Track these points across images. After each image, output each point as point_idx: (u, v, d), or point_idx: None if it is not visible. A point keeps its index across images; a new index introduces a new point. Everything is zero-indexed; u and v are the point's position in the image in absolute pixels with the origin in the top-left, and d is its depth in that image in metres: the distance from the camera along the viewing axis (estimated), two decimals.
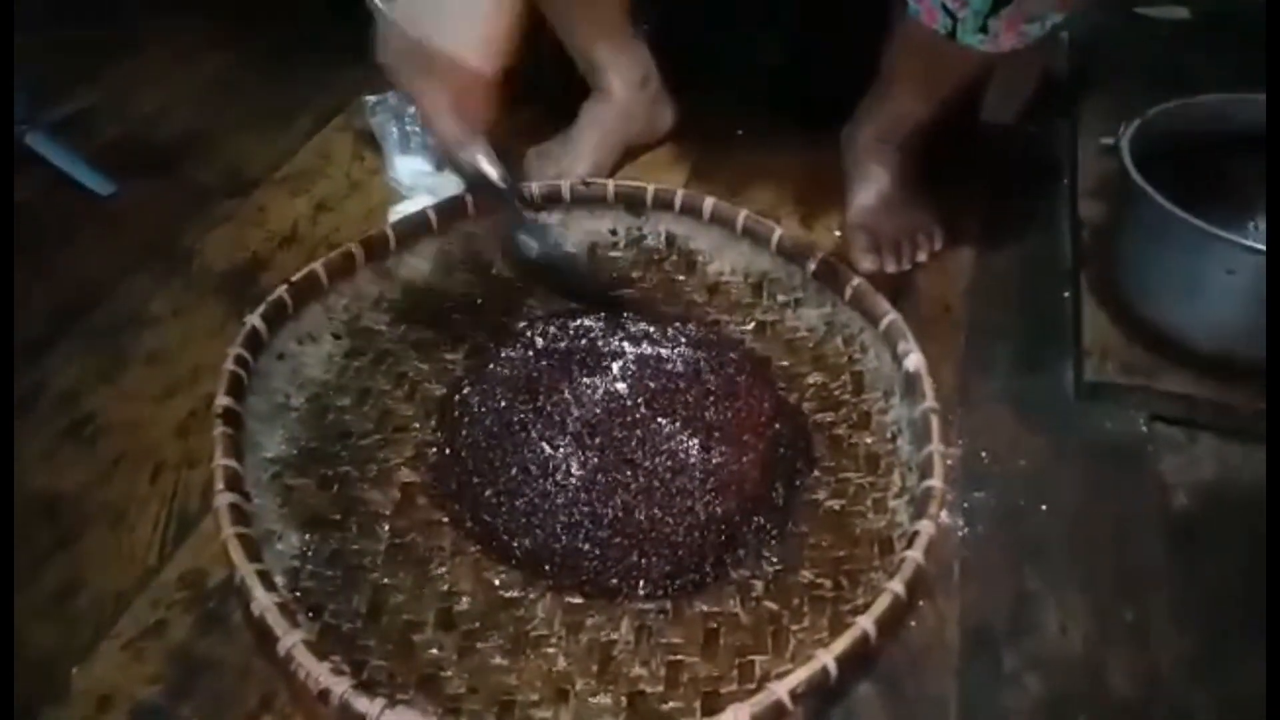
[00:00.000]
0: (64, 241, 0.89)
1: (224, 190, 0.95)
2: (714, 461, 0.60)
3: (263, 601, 0.52)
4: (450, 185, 0.94)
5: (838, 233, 0.89)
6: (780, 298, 0.78)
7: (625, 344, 0.66)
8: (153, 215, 0.92)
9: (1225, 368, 0.69)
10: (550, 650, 0.55)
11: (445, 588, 0.59)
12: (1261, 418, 0.68)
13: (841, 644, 0.50)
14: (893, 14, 0.79)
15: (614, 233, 0.84)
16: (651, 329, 0.68)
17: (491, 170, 0.67)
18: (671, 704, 0.53)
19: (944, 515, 0.63)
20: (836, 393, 0.71)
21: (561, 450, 0.60)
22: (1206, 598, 0.60)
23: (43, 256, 0.87)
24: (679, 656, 0.55)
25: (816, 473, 0.66)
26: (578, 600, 0.58)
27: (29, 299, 0.82)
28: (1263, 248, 0.63)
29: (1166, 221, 0.66)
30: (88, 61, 1.14)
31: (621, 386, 0.63)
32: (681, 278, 0.82)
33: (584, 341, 0.67)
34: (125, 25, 1.21)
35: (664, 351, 0.66)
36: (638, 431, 0.60)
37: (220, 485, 0.58)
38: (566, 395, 0.62)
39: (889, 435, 0.67)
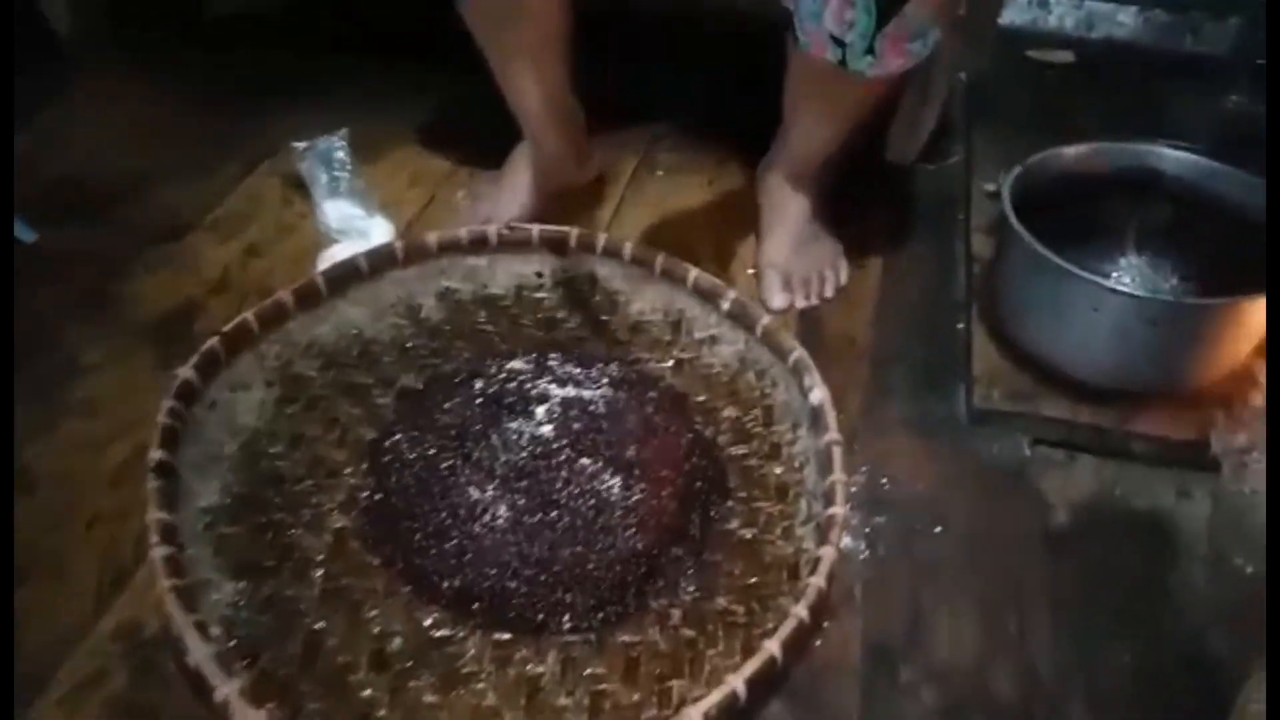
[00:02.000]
0: None
1: (155, 236, 0.96)
2: (634, 499, 0.64)
3: (198, 653, 0.54)
4: (380, 228, 0.97)
5: (751, 270, 0.94)
6: (697, 335, 0.83)
7: (552, 386, 0.70)
8: (84, 262, 0.92)
9: (1098, 394, 0.76)
10: (480, 686, 0.59)
11: (377, 629, 0.61)
12: (1130, 439, 0.75)
13: (750, 667, 0.54)
14: (788, 54, 0.84)
15: (540, 275, 0.88)
16: (576, 370, 0.72)
17: None
18: None
19: (848, 539, 0.68)
20: (749, 426, 0.76)
21: (489, 493, 0.63)
22: (1080, 604, 0.66)
23: None
24: (602, 686, 0.59)
25: (730, 503, 0.70)
26: (506, 636, 0.61)
27: None
28: (1123, 289, 0.70)
29: (1040, 263, 0.72)
30: (18, 105, 1.13)
31: (547, 430, 0.66)
32: (605, 317, 0.86)
33: (512, 385, 0.70)
34: (52, 70, 1.21)
35: (587, 394, 0.70)
36: (562, 473, 0.64)
37: (155, 539, 0.60)
38: (494, 441, 0.66)
39: (797, 465, 0.72)
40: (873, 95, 0.85)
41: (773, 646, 0.55)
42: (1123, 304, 0.70)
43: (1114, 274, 0.85)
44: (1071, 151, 0.82)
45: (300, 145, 0.99)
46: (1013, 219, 0.75)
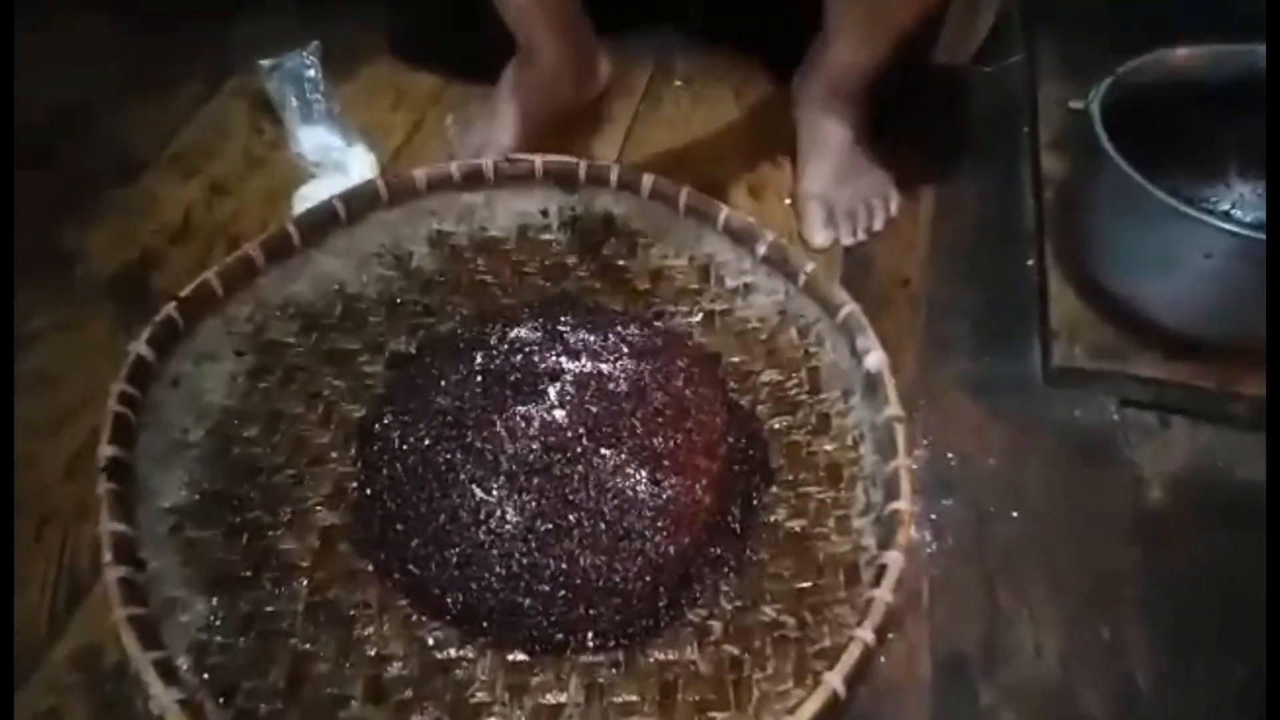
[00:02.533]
0: None
1: (106, 177, 0.85)
2: (665, 495, 0.55)
3: (162, 700, 0.46)
4: (360, 160, 0.85)
5: (788, 201, 0.83)
6: (729, 283, 0.72)
7: (563, 359, 0.60)
8: (27, 211, 0.81)
9: (1197, 349, 0.65)
10: None
11: (373, 651, 0.53)
12: (1232, 400, 0.65)
13: (810, 708, 0.46)
14: None
15: (545, 213, 0.76)
16: (591, 338, 0.61)
17: None
18: None
19: (912, 529, 0.59)
20: (792, 392, 0.66)
21: (495, 494, 0.54)
22: (1178, 603, 0.57)
23: None
24: (634, 718, 0.51)
25: (775, 488, 0.61)
26: (521, 658, 0.53)
27: None
28: (1242, 231, 0.59)
29: (1142, 199, 0.61)
30: None
31: (560, 414, 0.56)
32: (622, 263, 0.75)
33: (518, 358, 0.60)
34: None
35: (605, 367, 0.60)
36: (579, 468, 0.55)
37: (108, 556, 0.51)
38: (499, 429, 0.56)
39: (850, 441, 0.62)
40: (925, 4, 0.72)
41: (835, 681, 0.47)
42: (1241, 248, 0.59)
43: (1213, 200, 0.73)
44: (1178, 55, 0.69)
45: (266, 64, 0.87)
46: (1108, 145, 0.63)
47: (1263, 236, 0.57)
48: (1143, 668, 0.54)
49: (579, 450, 0.55)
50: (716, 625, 0.54)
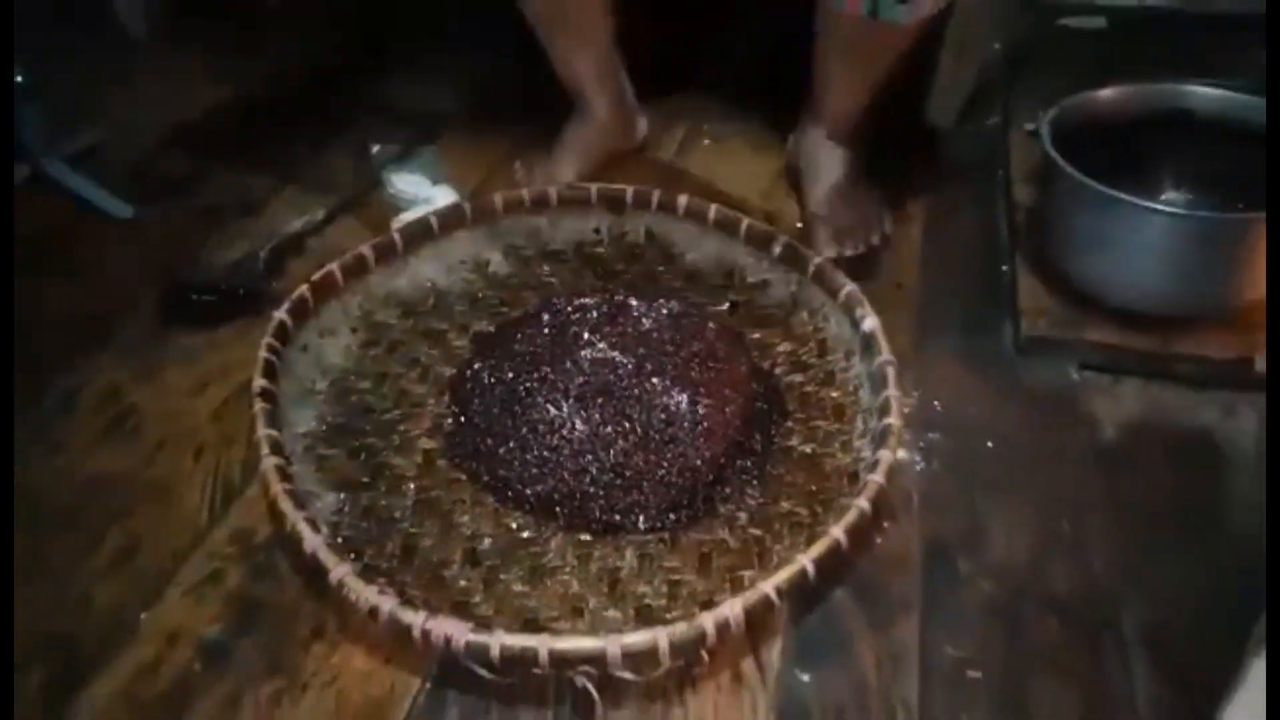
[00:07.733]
0: (89, 263, 0.96)
1: (234, 210, 1.03)
2: (700, 413, 0.69)
3: (313, 541, 0.59)
4: (445, 198, 1.03)
5: (799, 225, 0.99)
6: (750, 280, 0.88)
7: (617, 317, 0.75)
8: (170, 235, 0.99)
9: (1139, 318, 0.79)
10: (564, 578, 0.63)
11: (468, 533, 0.66)
12: (1176, 360, 0.78)
13: (817, 549, 0.58)
14: (816, 17, 0.88)
15: (598, 231, 0.93)
16: (639, 304, 0.77)
17: None
18: (673, 614, 0.60)
19: (903, 452, 0.71)
20: (804, 357, 0.80)
21: (566, 410, 0.68)
22: (1132, 513, 0.69)
23: (71, 276, 0.94)
24: (678, 577, 0.63)
25: (790, 423, 0.74)
26: (586, 537, 0.66)
27: (59, 313, 0.89)
28: (1162, 208, 0.73)
29: (1080, 190, 0.76)
30: (90, 96, 1.21)
31: (616, 355, 0.71)
32: (661, 268, 0.91)
33: (578, 316, 0.75)
34: (122, 58, 1.30)
35: (650, 323, 0.75)
36: (634, 390, 0.69)
37: (266, 450, 0.66)
38: (568, 365, 0.71)
39: (851, 388, 0.76)
40: (905, 42, 0.88)
41: (837, 532, 0.59)
42: (1162, 224, 0.74)
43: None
44: (1105, 93, 0.85)
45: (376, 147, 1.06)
46: (1051, 150, 0.79)
47: (1178, 211, 0.72)
48: (1100, 558, 0.66)
49: (633, 379, 0.69)
50: (743, 515, 0.67)
